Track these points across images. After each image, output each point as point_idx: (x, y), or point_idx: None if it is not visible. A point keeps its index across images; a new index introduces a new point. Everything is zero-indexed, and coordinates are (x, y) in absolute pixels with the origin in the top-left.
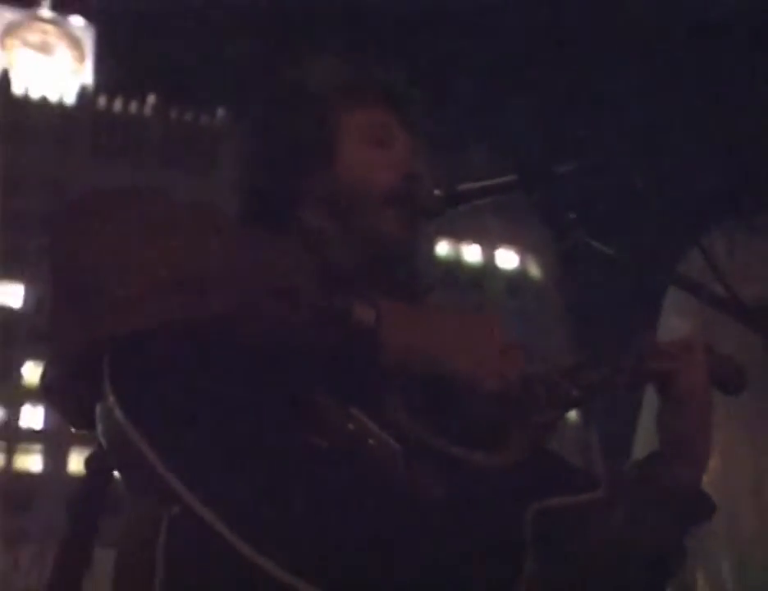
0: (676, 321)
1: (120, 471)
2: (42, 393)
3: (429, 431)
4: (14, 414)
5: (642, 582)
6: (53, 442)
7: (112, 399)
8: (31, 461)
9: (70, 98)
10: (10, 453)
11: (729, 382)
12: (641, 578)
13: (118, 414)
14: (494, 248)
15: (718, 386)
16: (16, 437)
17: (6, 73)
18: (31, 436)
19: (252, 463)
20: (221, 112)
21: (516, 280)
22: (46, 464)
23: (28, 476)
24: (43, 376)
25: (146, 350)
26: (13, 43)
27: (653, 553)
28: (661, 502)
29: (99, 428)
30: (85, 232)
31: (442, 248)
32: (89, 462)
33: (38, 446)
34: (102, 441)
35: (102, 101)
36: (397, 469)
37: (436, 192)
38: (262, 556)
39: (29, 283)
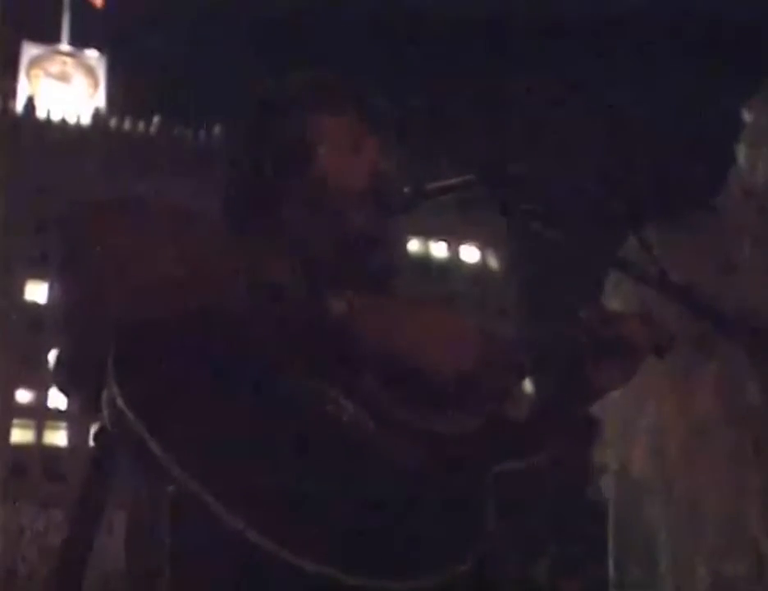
0: (615, 301)
1: (123, 451)
2: (54, 382)
3: (399, 405)
4: (42, 396)
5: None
6: (76, 421)
7: (115, 389)
8: (57, 437)
9: (85, 120)
10: (39, 430)
11: (663, 347)
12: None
13: (120, 402)
14: (458, 244)
15: (653, 349)
16: (45, 416)
17: (31, 99)
18: (57, 415)
19: (235, 443)
20: (216, 129)
21: (478, 272)
22: (70, 439)
23: (55, 449)
24: (56, 368)
25: (143, 347)
26: (37, 73)
27: (577, 471)
28: (572, 430)
29: (105, 413)
30: (96, 237)
31: (413, 245)
32: (96, 437)
33: (63, 424)
34: (108, 424)
35: (113, 121)
36: (370, 444)
37: (405, 190)
38: (244, 524)
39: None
